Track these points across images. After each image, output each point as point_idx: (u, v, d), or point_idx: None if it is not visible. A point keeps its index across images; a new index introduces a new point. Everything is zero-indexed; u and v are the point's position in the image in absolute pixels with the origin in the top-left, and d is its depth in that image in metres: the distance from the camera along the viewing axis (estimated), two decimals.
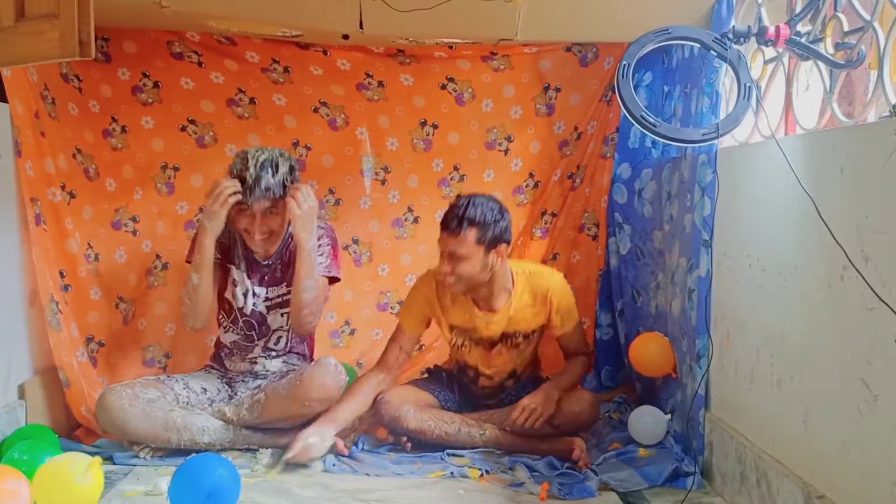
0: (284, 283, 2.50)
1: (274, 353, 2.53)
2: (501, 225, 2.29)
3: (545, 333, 2.56)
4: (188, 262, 2.46)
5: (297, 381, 2.33)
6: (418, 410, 2.40)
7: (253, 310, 2.50)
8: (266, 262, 2.50)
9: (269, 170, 2.31)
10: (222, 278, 2.51)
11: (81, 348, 2.55)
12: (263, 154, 2.34)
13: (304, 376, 2.32)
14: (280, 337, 2.54)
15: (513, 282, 2.43)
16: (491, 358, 2.51)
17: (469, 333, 2.48)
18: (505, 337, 2.47)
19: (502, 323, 2.44)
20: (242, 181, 2.31)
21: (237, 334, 2.53)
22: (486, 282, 2.35)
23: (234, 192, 2.30)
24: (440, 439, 2.37)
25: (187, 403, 2.37)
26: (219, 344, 2.59)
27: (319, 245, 2.44)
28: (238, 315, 2.51)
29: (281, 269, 2.51)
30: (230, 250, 2.49)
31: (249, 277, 2.50)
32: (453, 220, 2.26)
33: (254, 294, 2.50)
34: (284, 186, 2.35)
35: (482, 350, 2.50)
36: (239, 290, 2.49)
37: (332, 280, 2.52)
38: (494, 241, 2.28)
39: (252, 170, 2.30)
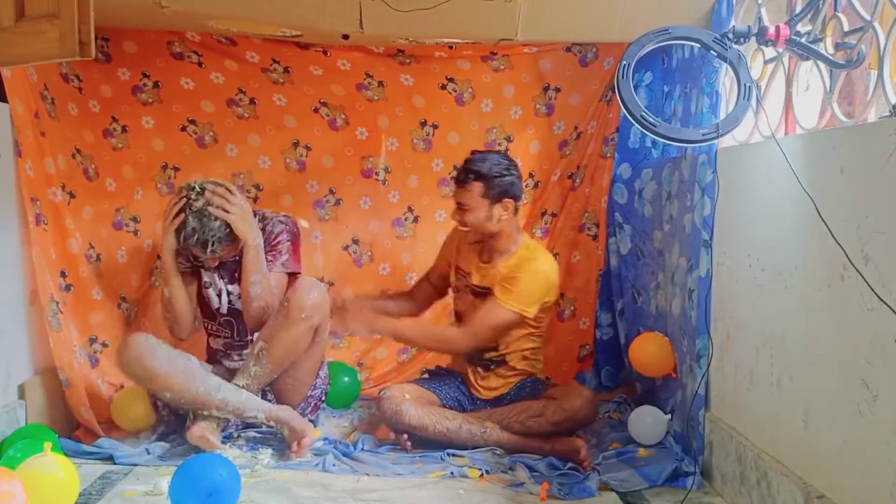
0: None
1: None
2: (507, 180, 2.44)
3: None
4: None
5: (285, 305, 2.36)
6: (419, 406, 2.40)
7: (230, 308, 2.52)
8: (234, 258, 2.49)
9: (205, 225, 2.32)
10: (199, 285, 2.55)
11: (81, 348, 2.55)
12: (198, 203, 2.33)
13: (289, 298, 2.35)
14: None
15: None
16: (471, 308, 2.57)
17: (466, 279, 2.59)
18: (483, 290, 2.53)
19: (486, 276, 2.52)
20: (188, 236, 2.32)
21: (224, 337, 2.56)
22: (495, 234, 2.49)
23: (178, 214, 2.34)
24: (441, 435, 2.37)
25: None
26: (210, 349, 2.62)
27: (278, 241, 2.50)
28: (217, 316, 2.54)
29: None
30: (196, 254, 2.46)
31: (222, 277, 2.52)
32: (461, 173, 2.46)
33: (227, 293, 2.52)
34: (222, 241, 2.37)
35: (470, 297, 2.58)
36: (212, 291, 2.53)
37: (293, 274, 2.54)
38: (499, 195, 2.43)
39: (193, 233, 2.32)
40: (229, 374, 2.51)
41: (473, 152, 2.50)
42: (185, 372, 2.27)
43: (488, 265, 2.53)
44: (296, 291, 2.36)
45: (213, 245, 2.34)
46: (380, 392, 2.49)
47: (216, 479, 1.84)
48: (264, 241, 2.48)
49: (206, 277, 2.53)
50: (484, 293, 2.52)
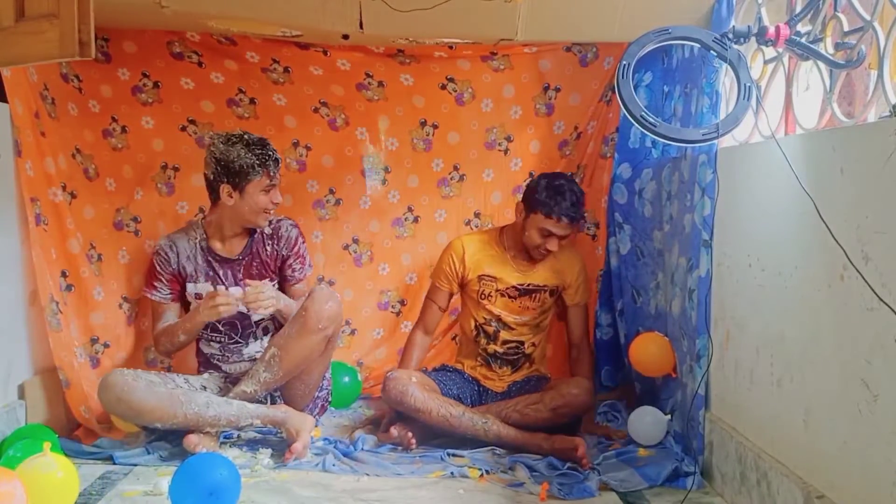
0: (266, 280, 2.52)
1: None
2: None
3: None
4: (148, 291, 2.54)
5: (302, 315, 2.37)
6: (424, 390, 2.42)
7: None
8: (238, 258, 2.51)
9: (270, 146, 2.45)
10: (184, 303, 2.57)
11: (81, 348, 2.55)
12: (255, 137, 2.44)
13: (306, 308, 2.37)
14: (266, 329, 2.56)
15: None
16: (510, 307, 2.63)
17: (497, 282, 2.62)
18: (530, 288, 2.63)
19: (529, 273, 2.63)
20: (266, 159, 2.39)
21: (219, 342, 2.54)
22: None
23: (228, 307, 2.38)
24: (443, 420, 2.38)
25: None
26: (201, 353, 2.59)
27: (298, 247, 2.58)
28: (216, 323, 2.51)
29: (257, 265, 2.53)
30: (183, 273, 2.51)
31: (221, 282, 2.50)
32: (577, 211, 2.54)
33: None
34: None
35: (506, 300, 2.63)
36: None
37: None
38: None
39: (271, 152, 2.42)
40: (228, 380, 2.52)
41: (570, 181, 2.57)
42: (169, 398, 2.23)
43: (530, 264, 2.63)
44: (313, 301, 2.37)
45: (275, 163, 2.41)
46: (386, 373, 2.50)
47: (216, 478, 1.84)
48: (282, 245, 2.54)
49: (198, 290, 2.50)
50: (532, 290, 2.62)
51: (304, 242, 2.60)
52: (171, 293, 2.52)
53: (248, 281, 2.44)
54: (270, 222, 2.54)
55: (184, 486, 1.84)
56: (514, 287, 2.61)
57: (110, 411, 2.31)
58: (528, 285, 2.61)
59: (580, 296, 2.71)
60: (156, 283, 2.51)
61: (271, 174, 2.40)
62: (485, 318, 2.65)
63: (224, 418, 2.28)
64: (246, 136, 2.40)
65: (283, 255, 2.55)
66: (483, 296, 2.64)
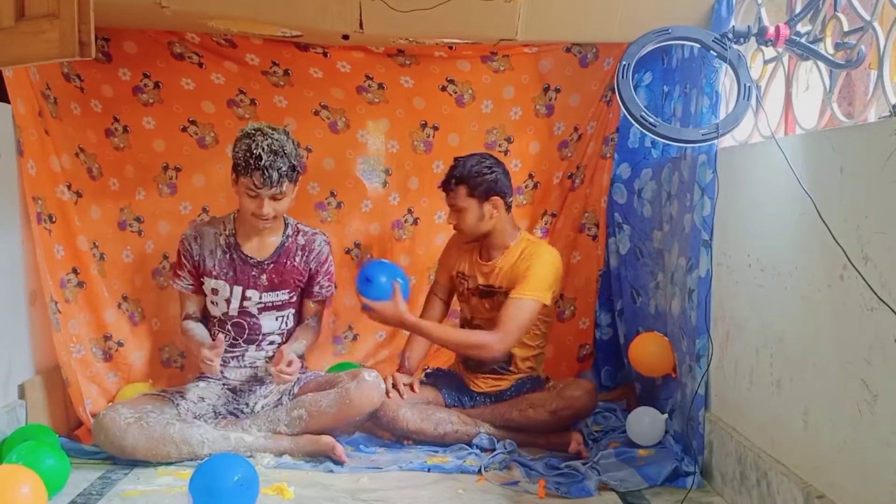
0: (285, 290, 2.52)
1: (271, 357, 2.52)
2: (489, 178, 2.50)
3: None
4: (173, 280, 2.58)
5: (346, 400, 2.33)
6: (414, 411, 2.44)
7: (244, 310, 2.50)
8: (263, 262, 2.50)
9: (277, 156, 2.33)
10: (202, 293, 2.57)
11: (81, 345, 2.56)
12: (266, 139, 2.34)
13: (352, 395, 2.33)
14: (272, 342, 2.54)
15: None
16: (479, 309, 2.61)
17: (468, 281, 2.63)
18: (489, 290, 2.57)
19: (489, 274, 2.57)
20: (250, 166, 2.32)
21: (226, 342, 2.52)
22: (489, 231, 2.55)
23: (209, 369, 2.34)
24: (439, 439, 2.42)
25: (188, 412, 2.36)
26: None
27: (329, 264, 2.59)
28: (225, 320, 2.52)
29: (280, 274, 2.52)
30: (201, 266, 2.51)
31: (239, 283, 2.49)
32: (447, 180, 2.55)
33: (244, 297, 2.50)
34: (293, 169, 2.39)
35: (476, 299, 2.62)
36: (220, 297, 2.51)
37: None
38: (486, 192, 2.50)
39: (263, 157, 2.31)
40: (227, 387, 2.50)
41: (456, 159, 2.57)
42: (162, 440, 2.19)
43: (489, 263, 2.58)
44: (361, 393, 2.33)
45: (279, 178, 2.33)
46: None
47: (244, 469, 1.88)
48: (312, 259, 2.55)
49: (214, 285, 2.50)
50: (490, 292, 2.56)
51: (331, 260, 2.62)
52: (192, 284, 2.53)
53: (279, 368, 2.36)
54: (305, 233, 2.55)
55: (212, 474, 1.85)
56: (478, 287, 2.60)
57: (102, 448, 2.26)
58: (487, 287, 2.58)
59: (521, 288, 2.45)
60: (179, 272, 2.54)
61: (255, 182, 2.32)
62: (463, 318, 2.67)
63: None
64: (263, 139, 2.32)
65: (311, 270, 2.56)
66: (460, 294, 2.67)
